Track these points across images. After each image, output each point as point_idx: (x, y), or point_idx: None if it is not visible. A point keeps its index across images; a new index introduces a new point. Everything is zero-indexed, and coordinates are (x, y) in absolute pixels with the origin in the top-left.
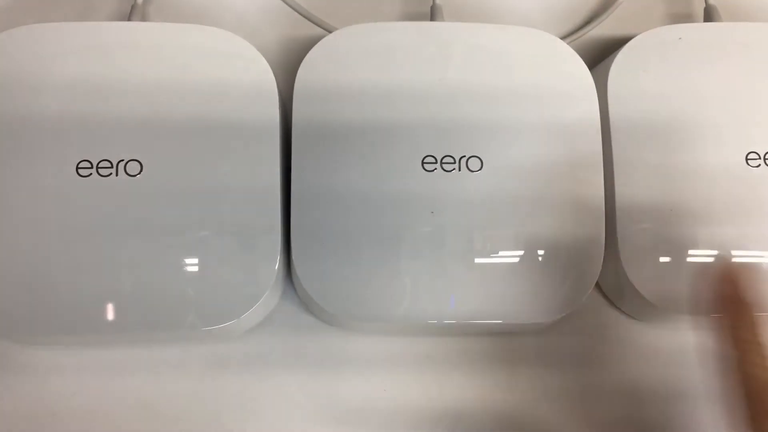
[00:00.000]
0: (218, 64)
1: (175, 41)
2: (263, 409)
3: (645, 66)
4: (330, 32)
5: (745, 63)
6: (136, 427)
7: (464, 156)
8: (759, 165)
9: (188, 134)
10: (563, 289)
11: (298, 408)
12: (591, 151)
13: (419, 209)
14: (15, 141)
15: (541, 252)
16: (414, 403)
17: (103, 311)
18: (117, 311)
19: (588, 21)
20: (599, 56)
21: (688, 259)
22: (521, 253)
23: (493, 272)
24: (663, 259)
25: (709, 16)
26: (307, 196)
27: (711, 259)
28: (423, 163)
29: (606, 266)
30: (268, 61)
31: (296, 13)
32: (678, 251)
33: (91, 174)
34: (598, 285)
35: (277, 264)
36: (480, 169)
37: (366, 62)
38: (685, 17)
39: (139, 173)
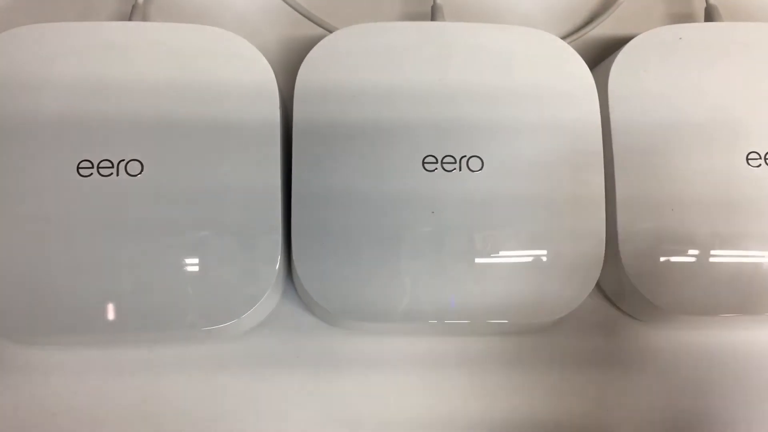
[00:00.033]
0: (219, 64)
1: (175, 41)
2: (263, 409)
3: (646, 66)
4: (330, 32)
5: (746, 63)
6: (136, 427)
7: (465, 156)
8: (759, 165)
9: (189, 134)
10: (564, 289)
11: (298, 408)
12: (591, 151)
13: (420, 209)
14: (15, 141)
15: (541, 252)
16: (414, 403)
17: (104, 311)
18: (117, 311)
19: (588, 21)
20: (600, 56)
21: (689, 259)
22: (522, 253)
23: (494, 272)
24: (663, 259)
25: (710, 16)
26: (307, 195)
27: (711, 259)
28: (424, 163)
29: (606, 266)
30: (269, 61)
31: (297, 13)
32: (679, 251)
33: (91, 174)
34: (598, 285)
35: (278, 264)
36: (481, 169)
37: (367, 62)
38: (686, 17)
39: (140, 173)
